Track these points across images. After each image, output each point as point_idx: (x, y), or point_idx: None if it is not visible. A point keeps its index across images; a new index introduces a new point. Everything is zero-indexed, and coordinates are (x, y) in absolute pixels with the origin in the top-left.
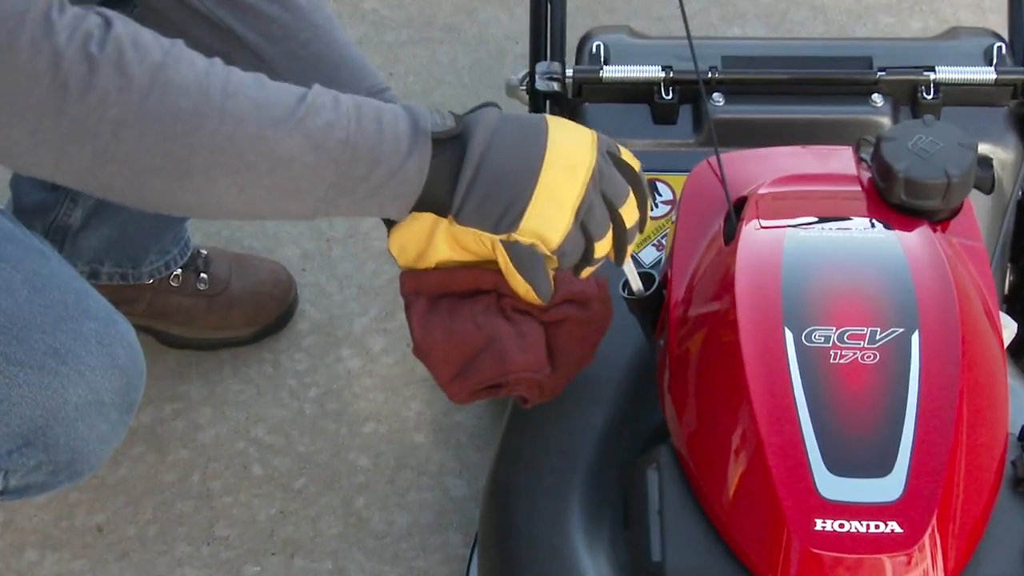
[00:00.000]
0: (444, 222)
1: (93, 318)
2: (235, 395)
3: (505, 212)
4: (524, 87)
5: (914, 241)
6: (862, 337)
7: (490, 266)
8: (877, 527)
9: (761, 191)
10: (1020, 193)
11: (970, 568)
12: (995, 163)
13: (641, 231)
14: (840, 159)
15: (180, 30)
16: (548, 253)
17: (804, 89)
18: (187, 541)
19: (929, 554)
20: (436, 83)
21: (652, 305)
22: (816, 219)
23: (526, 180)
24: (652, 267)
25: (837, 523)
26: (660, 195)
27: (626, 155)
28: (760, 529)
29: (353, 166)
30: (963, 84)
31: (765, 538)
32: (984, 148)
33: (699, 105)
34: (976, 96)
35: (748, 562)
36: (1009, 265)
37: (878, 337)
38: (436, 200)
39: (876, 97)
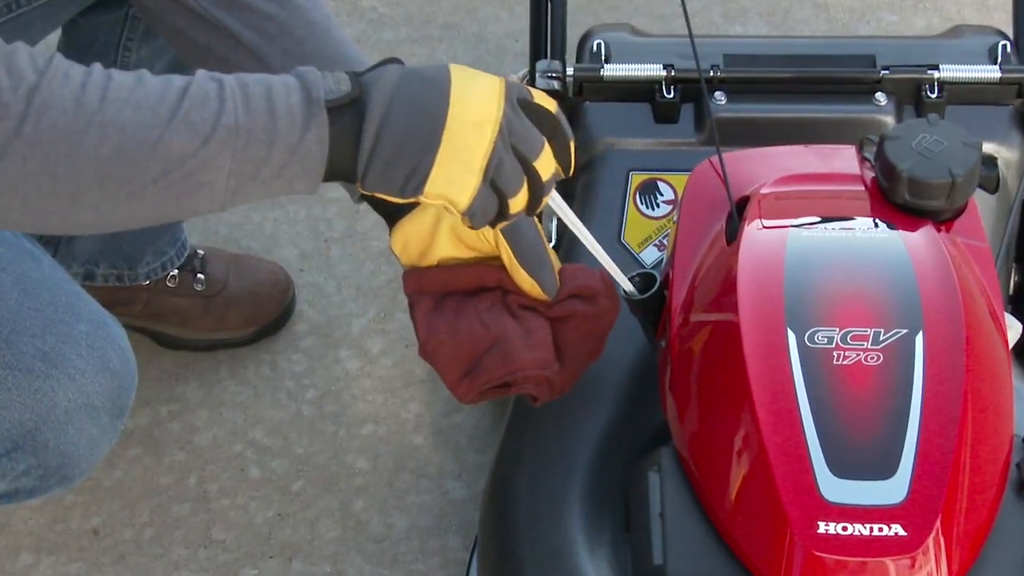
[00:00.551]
0: (447, 219)
1: (84, 321)
2: (232, 397)
3: (410, 176)
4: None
5: (918, 241)
6: (865, 338)
7: (494, 263)
8: (881, 530)
9: (763, 191)
10: None
11: (974, 571)
12: (1000, 162)
13: (567, 175)
14: (843, 158)
15: (175, 29)
16: (457, 214)
17: (807, 88)
18: (184, 544)
19: (933, 557)
20: None
21: (654, 306)
22: (819, 219)
23: (429, 141)
24: (653, 267)
25: (840, 526)
26: (661, 195)
27: (540, 98)
28: (763, 532)
29: (249, 150)
30: (967, 83)
31: (768, 541)
32: (988, 147)
33: (701, 104)
34: (980, 95)
35: (750, 565)
36: (1014, 265)
37: (882, 338)
38: (342, 169)
39: (879, 96)
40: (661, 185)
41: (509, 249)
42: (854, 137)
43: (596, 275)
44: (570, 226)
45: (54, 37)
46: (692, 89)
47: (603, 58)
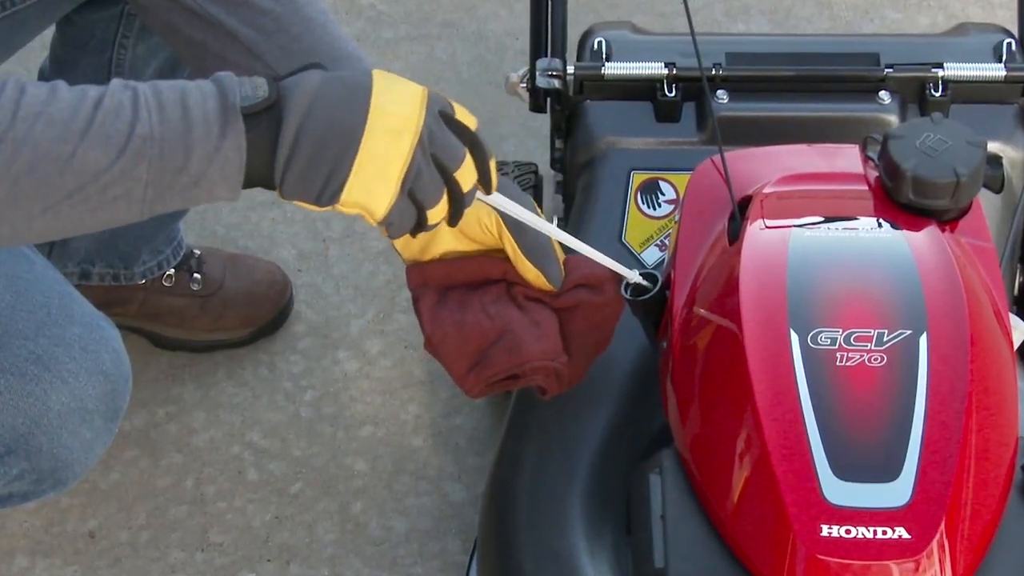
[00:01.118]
0: None
1: (77, 323)
2: (229, 398)
3: (326, 184)
4: (524, 84)
5: (922, 241)
6: (869, 339)
7: (497, 255)
8: (884, 533)
9: (766, 190)
10: None
11: (979, 575)
12: (1005, 162)
13: (488, 192)
14: (846, 158)
15: (170, 26)
16: (374, 224)
17: (810, 86)
18: (180, 547)
19: (937, 560)
20: (435, 80)
21: (655, 307)
22: (822, 219)
23: (346, 149)
24: (655, 268)
25: (844, 529)
26: (663, 194)
27: (461, 114)
28: (765, 535)
29: (165, 160)
30: (972, 81)
31: (770, 544)
32: (993, 146)
33: (703, 102)
34: (985, 93)
35: (753, 568)
36: (1019, 266)
37: (885, 339)
38: (260, 176)
39: (883, 94)
40: (663, 185)
41: (513, 240)
42: (857, 136)
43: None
44: (527, 222)
45: (48, 34)
46: (694, 87)
47: (604, 56)
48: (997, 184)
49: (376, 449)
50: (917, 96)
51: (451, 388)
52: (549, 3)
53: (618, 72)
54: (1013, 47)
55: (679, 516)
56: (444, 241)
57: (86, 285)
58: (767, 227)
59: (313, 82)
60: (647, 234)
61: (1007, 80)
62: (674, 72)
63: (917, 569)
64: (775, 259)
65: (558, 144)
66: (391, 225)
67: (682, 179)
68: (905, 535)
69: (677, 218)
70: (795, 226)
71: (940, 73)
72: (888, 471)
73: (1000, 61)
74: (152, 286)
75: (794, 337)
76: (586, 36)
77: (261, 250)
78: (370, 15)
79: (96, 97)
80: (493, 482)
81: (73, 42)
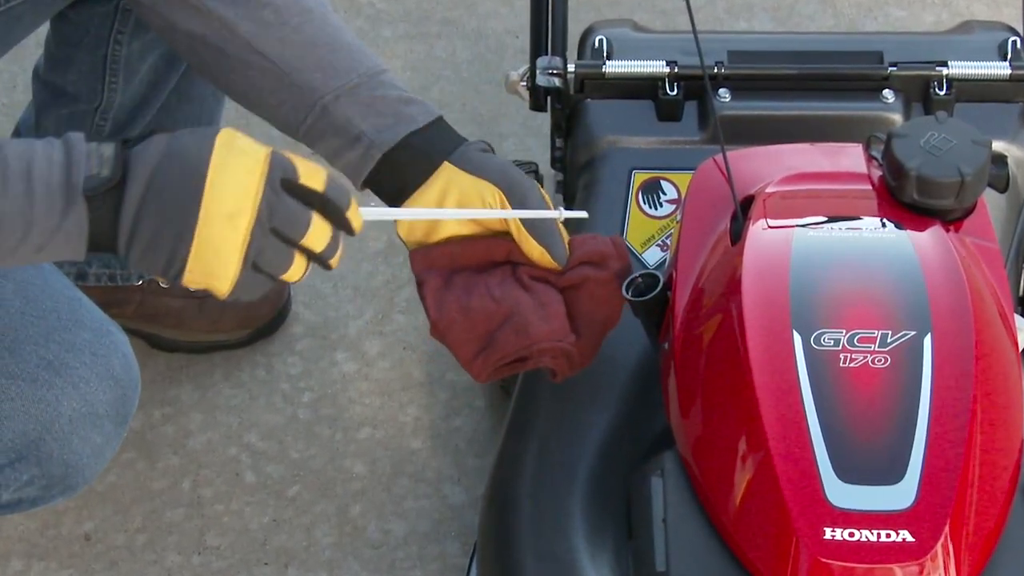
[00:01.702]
0: (451, 196)
1: (87, 328)
2: (227, 400)
3: (167, 266)
4: (525, 83)
5: (926, 241)
6: (873, 340)
7: (501, 236)
8: (888, 536)
9: (768, 190)
10: None
11: None
12: (1010, 161)
13: (353, 235)
14: (850, 157)
15: (168, 22)
16: (221, 297)
17: (813, 85)
18: (177, 550)
19: (942, 564)
20: (434, 79)
21: (656, 307)
22: (825, 219)
23: (181, 234)
24: (656, 268)
25: (847, 532)
26: (664, 194)
27: (305, 176)
28: (768, 538)
29: (5, 231)
30: (977, 80)
31: (773, 547)
32: (998, 146)
33: (705, 101)
34: (990, 92)
35: (755, 572)
36: None
37: (889, 340)
38: (105, 248)
39: (887, 93)
40: (664, 184)
41: (518, 220)
42: (861, 135)
43: (607, 240)
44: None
45: (43, 32)
46: (696, 86)
47: (605, 54)
48: (1002, 183)
49: (375, 451)
50: (921, 95)
51: (450, 390)
52: (550, 1)
53: (619, 70)
54: (1018, 45)
55: (681, 519)
56: (447, 225)
57: (83, 286)
58: (770, 227)
59: (153, 159)
60: (648, 234)
61: (1012, 79)
62: (676, 70)
63: (921, 572)
64: (778, 259)
65: (558, 143)
66: (242, 296)
67: (684, 178)
68: (909, 538)
69: (679, 218)
70: (798, 226)
71: (944, 71)
72: (892, 473)
73: (1005, 59)
74: (149, 287)
75: (797, 338)
76: (587, 34)
77: None
78: (369, 13)
79: None
80: (493, 484)
81: (68, 39)
